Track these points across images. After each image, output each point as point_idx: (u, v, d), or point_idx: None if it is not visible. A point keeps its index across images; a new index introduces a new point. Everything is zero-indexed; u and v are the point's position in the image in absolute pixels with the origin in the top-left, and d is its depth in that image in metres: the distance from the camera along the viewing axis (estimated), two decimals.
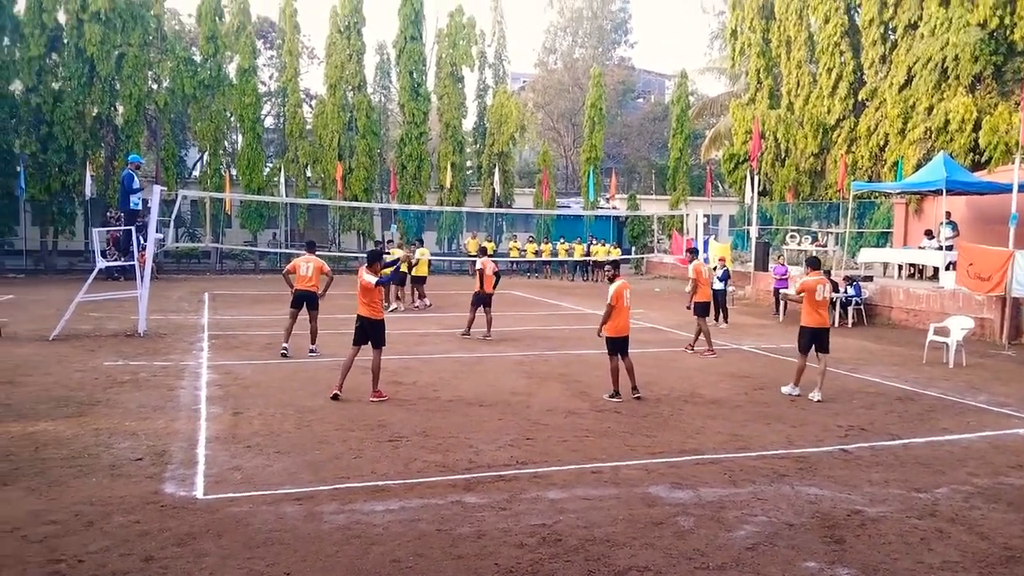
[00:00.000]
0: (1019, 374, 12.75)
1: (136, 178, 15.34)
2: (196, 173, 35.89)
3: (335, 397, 9.66)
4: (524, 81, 57.67)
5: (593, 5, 58.19)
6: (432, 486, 6.67)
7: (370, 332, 9.85)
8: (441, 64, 36.35)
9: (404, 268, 19.86)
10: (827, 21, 28.00)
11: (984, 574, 5.20)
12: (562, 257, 32.81)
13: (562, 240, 33.78)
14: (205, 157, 33.65)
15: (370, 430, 8.39)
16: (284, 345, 12.75)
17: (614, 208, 39.93)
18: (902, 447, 8.26)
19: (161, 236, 28.20)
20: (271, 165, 35.01)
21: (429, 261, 21.18)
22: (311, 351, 12.83)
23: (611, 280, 10.44)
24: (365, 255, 11.07)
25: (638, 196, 41.79)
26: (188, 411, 9.15)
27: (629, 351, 10.36)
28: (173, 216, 19.94)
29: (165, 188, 20.38)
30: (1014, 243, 16.14)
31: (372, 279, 9.81)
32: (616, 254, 31.96)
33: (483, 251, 17.48)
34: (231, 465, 7.14)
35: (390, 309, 19.21)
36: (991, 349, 15.19)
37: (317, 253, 13.36)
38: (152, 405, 9.36)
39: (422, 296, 20.49)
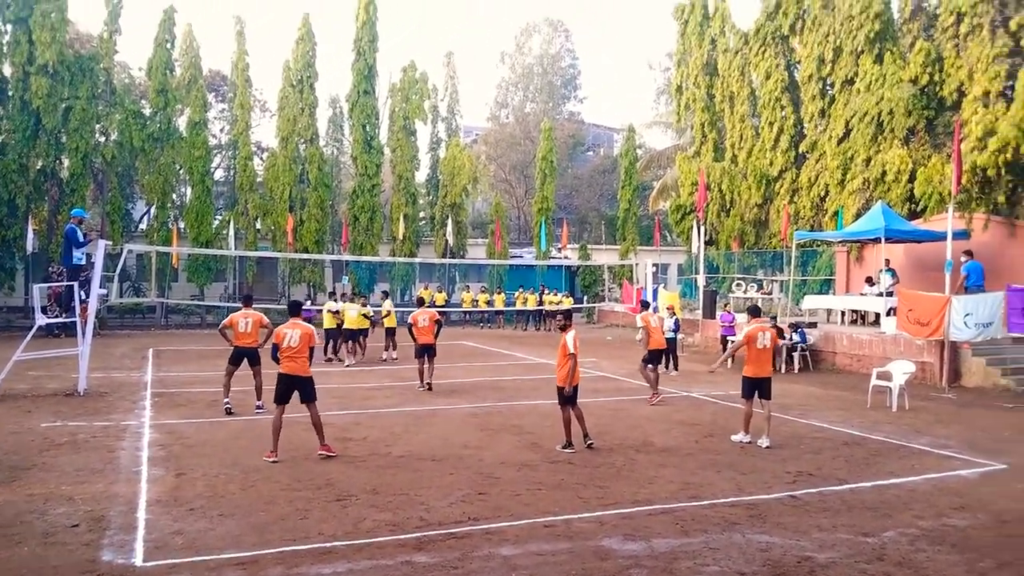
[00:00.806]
0: (959, 416, 13.07)
1: (80, 232, 15.05)
2: (143, 226, 35.34)
3: (275, 461, 9.25)
4: (476, 134, 58.45)
5: (544, 62, 59.57)
6: (381, 546, 6.52)
7: (299, 388, 9.54)
8: (394, 117, 36.72)
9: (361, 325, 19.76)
10: (768, 77, 29.05)
11: None
12: (519, 306, 32.91)
13: (521, 289, 33.91)
14: (152, 210, 33.20)
15: (317, 489, 8.21)
16: (226, 400, 12.45)
17: (566, 258, 40.33)
18: (849, 491, 8.37)
19: (105, 291, 27.59)
20: (220, 218, 34.67)
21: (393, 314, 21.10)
22: (257, 408, 12.54)
23: (563, 330, 10.44)
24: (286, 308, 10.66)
25: (589, 246, 42.34)
26: (128, 473, 8.86)
27: (579, 400, 10.37)
28: (118, 270, 19.60)
29: (110, 242, 20.04)
30: (950, 289, 16.69)
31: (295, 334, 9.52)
32: (568, 303, 32.17)
33: (420, 302, 17.48)
34: (172, 529, 6.90)
35: (345, 364, 19.01)
36: (932, 392, 15.56)
37: (260, 307, 13.07)
38: (90, 468, 9.03)
39: (393, 348, 20.32)
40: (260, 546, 6.48)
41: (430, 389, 15.16)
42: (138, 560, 6.18)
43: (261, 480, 8.52)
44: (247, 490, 8.16)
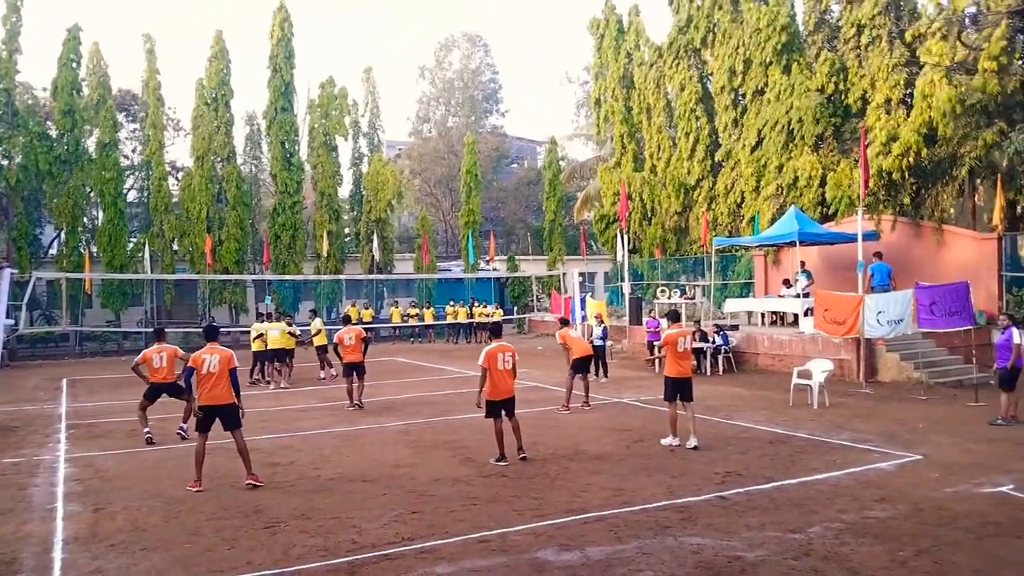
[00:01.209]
0: (877, 411, 13.59)
1: None
2: (52, 252, 33.87)
3: (199, 490, 8.95)
4: (400, 149, 58.12)
5: (464, 76, 59.72)
6: (313, 572, 6.38)
7: (221, 416, 9.19)
8: (314, 134, 36.20)
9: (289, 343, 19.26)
10: (683, 89, 29.84)
11: None
12: (449, 320, 32.78)
13: (451, 303, 33.80)
14: (62, 235, 31.84)
15: (245, 517, 7.97)
16: (146, 430, 11.98)
17: (494, 270, 40.40)
18: (776, 489, 8.59)
19: (12, 321, 26.28)
20: (135, 240, 33.50)
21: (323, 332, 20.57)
22: (181, 429, 12.12)
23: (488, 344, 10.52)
24: (202, 332, 10.20)
25: (517, 257, 42.48)
26: (42, 511, 8.44)
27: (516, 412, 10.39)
28: (26, 299, 18.70)
29: (17, 270, 19.12)
30: (863, 288, 17.36)
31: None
32: (499, 315, 32.24)
33: (346, 320, 17.26)
34: (91, 568, 6.60)
35: (271, 387, 18.56)
36: (851, 388, 16.14)
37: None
38: (0, 507, 8.57)
39: (328, 365, 20.02)
40: None
41: (361, 408, 14.95)
42: None
43: (185, 511, 8.23)
44: (170, 522, 7.87)
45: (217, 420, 9.21)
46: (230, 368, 9.21)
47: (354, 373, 15.10)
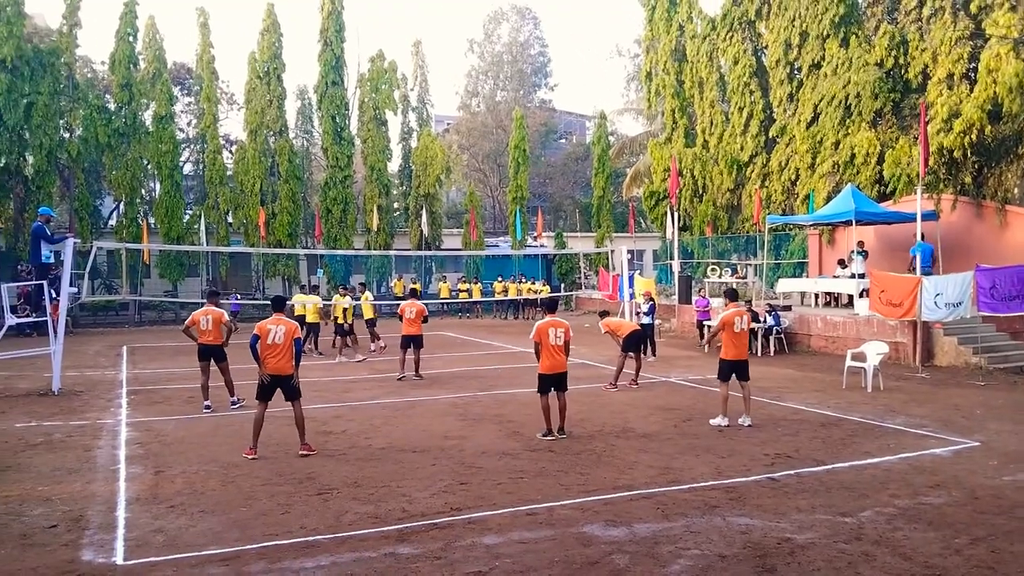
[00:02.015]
0: (933, 395, 13.30)
1: (48, 230, 14.81)
2: (112, 223, 34.84)
3: (254, 458, 9.15)
4: (448, 124, 58.19)
5: (513, 50, 59.33)
6: (364, 539, 6.51)
7: (283, 386, 9.38)
8: (364, 108, 36.45)
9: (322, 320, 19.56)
10: (736, 63, 29.19)
11: None
12: (498, 296, 32.96)
13: (499, 278, 33.93)
14: (121, 206, 32.72)
15: (298, 483, 8.17)
16: (206, 403, 12.32)
17: (542, 246, 40.37)
18: (827, 472, 8.49)
19: (76, 289, 27.16)
20: (191, 212, 34.29)
21: (373, 305, 20.57)
22: (233, 403, 12.42)
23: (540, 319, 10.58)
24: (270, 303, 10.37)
25: (564, 234, 42.39)
26: (106, 472, 8.76)
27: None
28: (88, 268, 19.27)
29: (79, 239, 19.71)
30: (920, 270, 16.94)
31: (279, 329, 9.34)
32: (546, 291, 32.27)
33: (412, 293, 17.22)
34: (153, 527, 6.84)
35: (335, 360, 18.66)
36: (906, 372, 15.81)
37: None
38: (67, 468, 8.92)
39: (376, 338, 20.24)
40: (242, 542, 6.44)
41: (420, 378, 15.32)
42: (119, 559, 6.12)
43: (241, 476, 8.47)
44: (227, 486, 8.10)
45: (278, 390, 9.41)
46: (295, 338, 9.39)
47: (411, 345, 15.34)
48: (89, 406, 12.98)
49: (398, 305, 17.02)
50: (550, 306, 11.01)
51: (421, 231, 35.80)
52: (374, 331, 20.35)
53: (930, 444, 9.75)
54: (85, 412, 12.42)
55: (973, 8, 20.91)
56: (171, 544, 6.43)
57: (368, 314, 20.38)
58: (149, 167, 32.66)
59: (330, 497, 7.68)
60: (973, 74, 21.01)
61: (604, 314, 16.20)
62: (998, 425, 10.80)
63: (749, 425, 10.72)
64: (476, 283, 34.23)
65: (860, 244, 20.51)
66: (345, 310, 18.96)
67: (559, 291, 36.21)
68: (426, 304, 16.74)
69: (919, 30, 22.71)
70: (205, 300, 12.91)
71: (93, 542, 6.51)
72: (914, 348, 16.59)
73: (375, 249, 35.07)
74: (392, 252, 35.41)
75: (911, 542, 6.32)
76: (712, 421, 11.01)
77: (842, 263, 21.51)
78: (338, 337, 19.34)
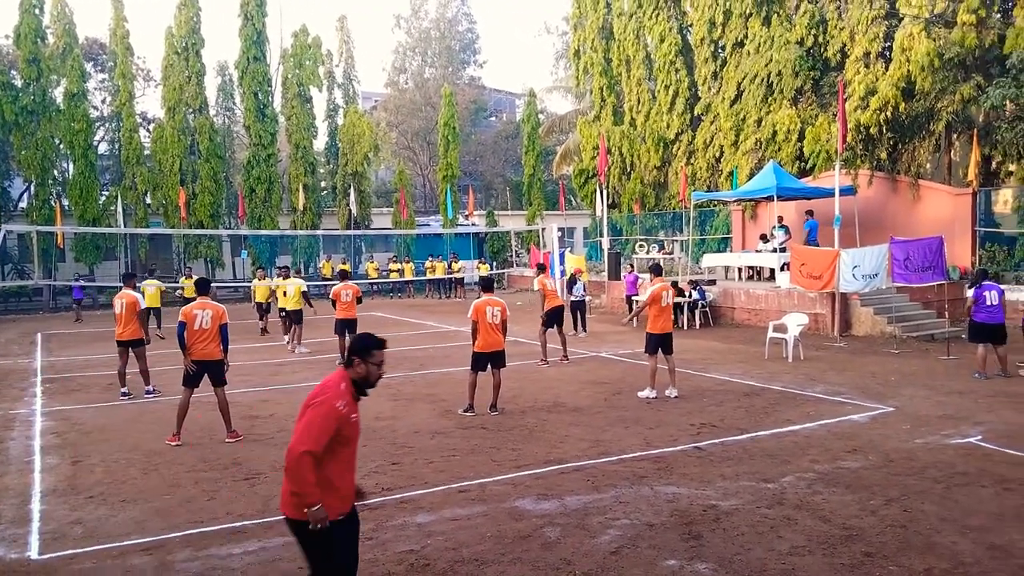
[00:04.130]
0: (851, 364, 13.80)
1: None
2: (23, 205, 33.27)
3: (178, 444, 8.90)
4: (376, 101, 57.29)
5: (440, 26, 58.66)
6: None
7: (210, 372, 9.14)
8: (287, 84, 35.58)
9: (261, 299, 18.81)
10: (662, 41, 29.50)
11: (827, 554, 5.55)
12: (428, 275, 32.81)
13: (430, 258, 33.73)
14: (31, 188, 31.24)
15: (224, 469, 7.99)
16: (122, 390, 11.93)
17: (473, 224, 40.27)
18: (750, 440, 8.73)
19: None
20: (107, 193, 32.96)
21: (304, 293, 17.31)
22: (147, 392, 12.00)
23: (477, 298, 10.60)
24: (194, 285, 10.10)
25: (496, 212, 42.37)
26: (19, 464, 8.40)
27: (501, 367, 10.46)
28: None
29: None
30: (839, 243, 17.50)
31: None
32: (484, 270, 32.34)
33: (343, 275, 16.03)
34: (71, 519, 6.60)
35: (290, 348, 16.94)
36: (825, 342, 16.36)
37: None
38: None
39: (288, 332, 17.57)
40: (166, 530, 6.27)
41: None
42: (33, 553, 5.89)
43: (164, 463, 8.23)
44: (149, 474, 7.87)
45: (206, 376, 9.15)
46: (221, 324, 9.12)
47: (347, 330, 14.51)
48: (1, 396, 12.43)
49: (325, 286, 16.41)
50: (486, 285, 10.97)
51: (350, 210, 35.26)
52: (290, 325, 17.46)
53: (848, 411, 10.13)
54: None
55: None
56: (90, 535, 6.22)
57: (291, 304, 17.28)
58: (61, 146, 31.21)
59: (257, 482, 7.54)
60: (888, 53, 21.73)
61: (542, 268, 16.28)
62: (911, 391, 11.28)
63: (676, 396, 10.97)
64: (408, 263, 33.97)
65: (780, 219, 21.07)
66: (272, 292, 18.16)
67: (491, 269, 36.25)
68: (356, 284, 16.15)
69: (837, 10, 23.32)
70: (121, 285, 12.37)
71: (5, 537, 6.25)
72: (832, 319, 17.18)
73: (302, 229, 34.39)
74: (320, 232, 34.79)
75: (830, 505, 6.56)
76: (640, 394, 11.20)
77: (764, 238, 22.08)
78: (293, 325, 17.20)
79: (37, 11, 29.96)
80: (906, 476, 7.32)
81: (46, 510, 6.86)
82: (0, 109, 28.77)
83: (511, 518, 6.41)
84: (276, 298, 18.34)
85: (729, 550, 5.65)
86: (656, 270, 11.82)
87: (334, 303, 14.88)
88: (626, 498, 6.83)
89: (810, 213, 20.59)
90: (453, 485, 7.30)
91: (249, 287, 18.78)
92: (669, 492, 6.97)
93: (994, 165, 20.40)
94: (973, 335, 12.42)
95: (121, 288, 12.19)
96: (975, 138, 19.56)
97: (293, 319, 17.15)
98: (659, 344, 11.18)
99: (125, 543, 6.03)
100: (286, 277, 17.95)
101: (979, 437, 8.64)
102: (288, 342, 17.33)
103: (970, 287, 12.50)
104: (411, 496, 7.03)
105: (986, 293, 12.11)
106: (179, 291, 19.09)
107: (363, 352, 4.26)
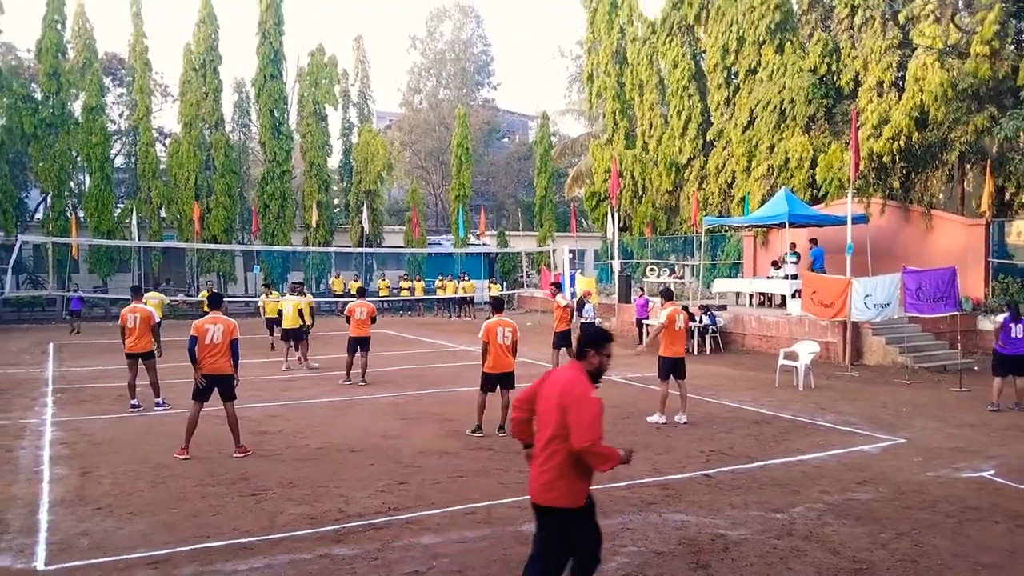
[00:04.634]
0: (862, 393, 13.71)
1: None
2: (39, 216, 33.55)
3: (186, 458, 8.91)
4: (390, 120, 57.64)
5: (455, 47, 59.11)
6: (299, 540, 6.40)
7: (220, 387, 9.14)
8: (303, 102, 35.91)
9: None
10: (676, 66, 29.65)
11: None
12: (439, 294, 32.88)
13: (440, 276, 33.78)
14: (48, 199, 31.53)
15: (232, 484, 7.98)
16: (132, 402, 11.97)
17: (484, 244, 40.36)
18: (760, 469, 8.67)
19: None
20: (122, 206, 33.24)
21: (312, 309, 17.54)
22: (157, 405, 12.02)
23: (488, 318, 10.58)
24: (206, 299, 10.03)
25: (507, 232, 42.46)
26: (29, 473, 8.43)
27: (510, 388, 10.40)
28: (12, 262, 18.50)
29: (3, 233, 18.92)
30: (851, 271, 17.45)
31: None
32: (496, 290, 32.40)
33: (361, 292, 16.24)
34: (78, 530, 6.61)
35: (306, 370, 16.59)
36: (836, 371, 16.27)
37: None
38: None
39: (294, 349, 17.19)
40: (172, 544, 6.27)
41: (365, 383, 14.41)
42: (40, 564, 5.90)
43: (172, 477, 8.24)
44: (157, 487, 7.88)
45: (216, 390, 9.16)
46: (232, 339, 9.13)
47: (359, 348, 14.49)
48: (12, 405, 12.48)
49: (336, 303, 16.42)
50: (497, 305, 10.93)
51: (362, 228, 35.40)
52: (298, 342, 17.16)
53: (858, 441, 10.05)
54: (8, 411, 11.93)
55: (901, 19, 21.67)
56: (97, 547, 6.22)
57: (287, 323, 16.90)
58: (78, 159, 31.54)
59: (264, 498, 7.53)
60: (901, 82, 21.77)
61: (558, 287, 16.32)
62: (923, 422, 11.19)
63: (685, 422, 10.92)
64: (419, 281, 34.04)
65: (792, 246, 21.04)
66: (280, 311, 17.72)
67: (501, 290, 36.30)
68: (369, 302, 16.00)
69: (851, 38, 23.42)
70: (132, 298, 12.45)
71: (12, 547, 6.25)
72: (844, 347, 17.08)
73: (314, 246, 34.54)
74: (332, 249, 34.94)
75: (840, 537, 6.50)
76: (649, 419, 11.15)
77: (776, 264, 22.03)
78: (298, 342, 16.98)
79: (59, 26, 30.43)
80: (917, 509, 7.24)
81: (54, 520, 6.87)
82: (20, 121, 29.11)
83: (517, 542, 6.37)
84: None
85: None
86: (667, 294, 11.81)
87: (348, 319, 14.77)
88: (634, 524, 6.78)
89: (814, 241, 20.61)
90: (460, 507, 7.27)
91: (259, 302, 18.66)
92: (677, 520, 6.92)
93: (1007, 196, 20.33)
94: (997, 366, 12.23)
95: (131, 302, 12.25)
96: (988, 169, 19.51)
97: (291, 336, 16.87)
98: (671, 369, 11.14)
99: (131, 556, 6.02)
100: (301, 294, 17.59)
101: (992, 471, 8.55)
102: (284, 360, 16.93)
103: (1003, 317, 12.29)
104: (417, 516, 7.00)
105: (1012, 325, 11.99)
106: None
107: (597, 344, 4.67)
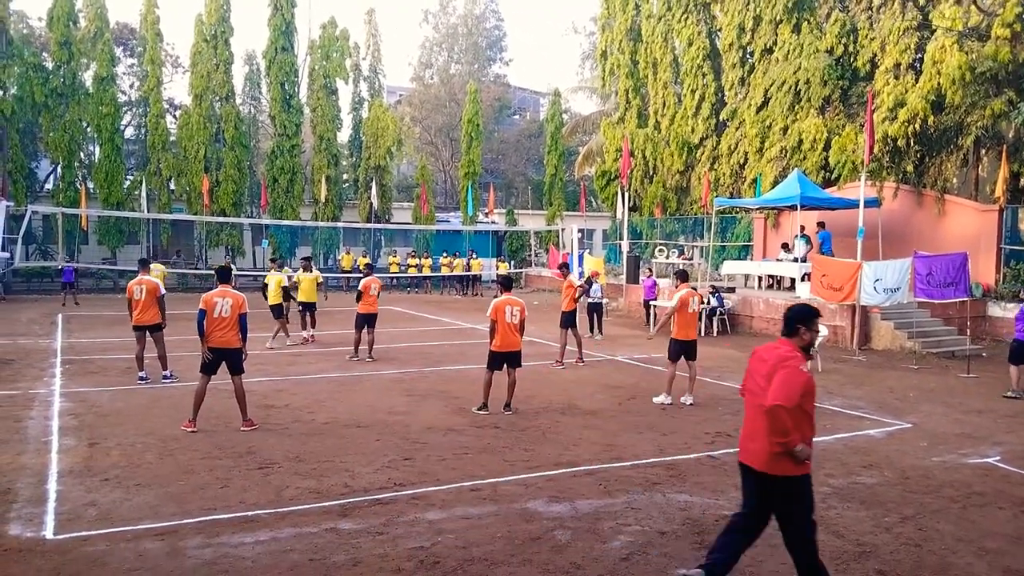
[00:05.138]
0: (869, 378, 13.67)
1: None
2: (48, 186, 33.62)
3: (194, 431, 8.96)
4: (400, 95, 57.37)
5: (468, 22, 58.66)
6: (305, 514, 6.44)
7: (228, 360, 9.16)
8: (314, 76, 35.73)
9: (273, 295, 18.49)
10: (690, 44, 29.36)
11: (840, 571, 5.50)
12: (444, 272, 32.88)
13: (444, 254, 33.75)
14: (58, 169, 31.58)
15: (239, 457, 8.03)
16: (140, 374, 12.01)
17: (493, 222, 40.28)
18: None
19: (8, 255, 26.18)
20: (131, 178, 33.26)
21: (319, 284, 17.44)
22: (165, 377, 12.06)
23: (496, 297, 10.56)
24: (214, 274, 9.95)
25: (516, 211, 42.33)
26: (37, 443, 8.49)
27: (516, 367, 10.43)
28: (22, 233, 18.55)
29: (13, 203, 18.96)
30: (862, 255, 17.34)
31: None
32: (504, 268, 32.38)
33: (370, 268, 16.18)
34: (86, 501, 6.66)
35: (267, 345, 16.16)
36: (844, 354, 16.22)
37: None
38: None
39: (310, 325, 17.24)
40: (179, 516, 6.31)
41: (372, 359, 14.44)
42: (48, 533, 5.95)
43: (179, 449, 8.29)
44: (164, 459, 7.93)
45: (223, 364, 9.18)
46: (240, 313, 9.13)
47: (367, 324, 14.51)
48: (21, 375, 12.56)
49: (346, 279, 16.28)
50: (505, 284, 10.88)
51: (371, 203, 35.36)
52: (312, 316, 17.33)
53: (865, 425, 10.03)
54: (16, 381, 12.01)
55: (920, 0, 21.33)
56: (104, 518, 6.27)
57: (278, 299, 16.74)
58: (88, 129, 31.55)
59: (271, 472, 7.57)
60: (919, 64, 21.46)
61: (565, 267, 16.31)
62: (930, 407, 11.16)
63: (691, 404, 10.92)
64: (427, 258, 34.05)
65: (802, 229, 20.91)
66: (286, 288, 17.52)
67: (509, 268, 36.27)
68: (377, 277, 15.91)
69: (869, 19, 23.11)
70: (138, 270, 12.44)
71: (21, 516, 6.31)
72: (852, 331, 17.02)
73: (323, 221, 34.54)
74: (340, 224, 34.93)
75: (844, 520, 6.50)
76: (655, 399, 11.15)
77: (786, 247, 21.91)
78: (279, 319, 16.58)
79: None
80: (922, 494, 7.23)
81: (62, 491, 6.92)
82: (31, 90, 29.10)
83: (522, 519, 6.40)
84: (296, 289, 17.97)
85: (741, 562, 5.58)
86: (682, 275, 11.73)
87: (359, 297, 14.64)
88: (638, 504, 6.80)
89: (821, 224, 20.42)
90: (465, 483, 7.30)
91: (265, 279, 18.31)
92: (681, 500, 6.93)
93: (1022, 182, 20.12)
94: (1014, 354, 12.11)
95: (137, 274, 12.27)
96: (1004, 154, 19.29)
97: (275, 314, 16.57)
98: (683, 351, 11.12)
99: (138, 527, 6.07)
100: (308, 270, 17.28)
101: (997, 458, 8.53)
102: (271, 339, 16.39)
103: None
104: (423, 492, 7.03)
105: None
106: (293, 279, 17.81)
107: (808, 320, 4.89)
